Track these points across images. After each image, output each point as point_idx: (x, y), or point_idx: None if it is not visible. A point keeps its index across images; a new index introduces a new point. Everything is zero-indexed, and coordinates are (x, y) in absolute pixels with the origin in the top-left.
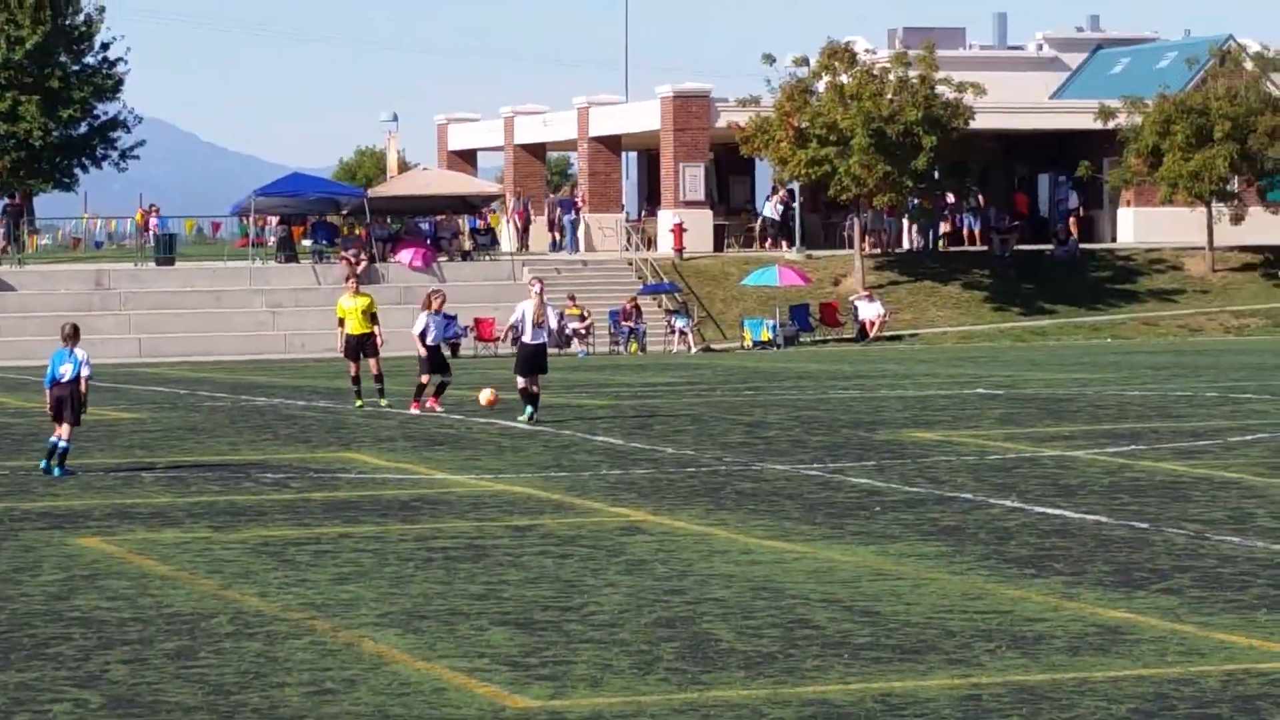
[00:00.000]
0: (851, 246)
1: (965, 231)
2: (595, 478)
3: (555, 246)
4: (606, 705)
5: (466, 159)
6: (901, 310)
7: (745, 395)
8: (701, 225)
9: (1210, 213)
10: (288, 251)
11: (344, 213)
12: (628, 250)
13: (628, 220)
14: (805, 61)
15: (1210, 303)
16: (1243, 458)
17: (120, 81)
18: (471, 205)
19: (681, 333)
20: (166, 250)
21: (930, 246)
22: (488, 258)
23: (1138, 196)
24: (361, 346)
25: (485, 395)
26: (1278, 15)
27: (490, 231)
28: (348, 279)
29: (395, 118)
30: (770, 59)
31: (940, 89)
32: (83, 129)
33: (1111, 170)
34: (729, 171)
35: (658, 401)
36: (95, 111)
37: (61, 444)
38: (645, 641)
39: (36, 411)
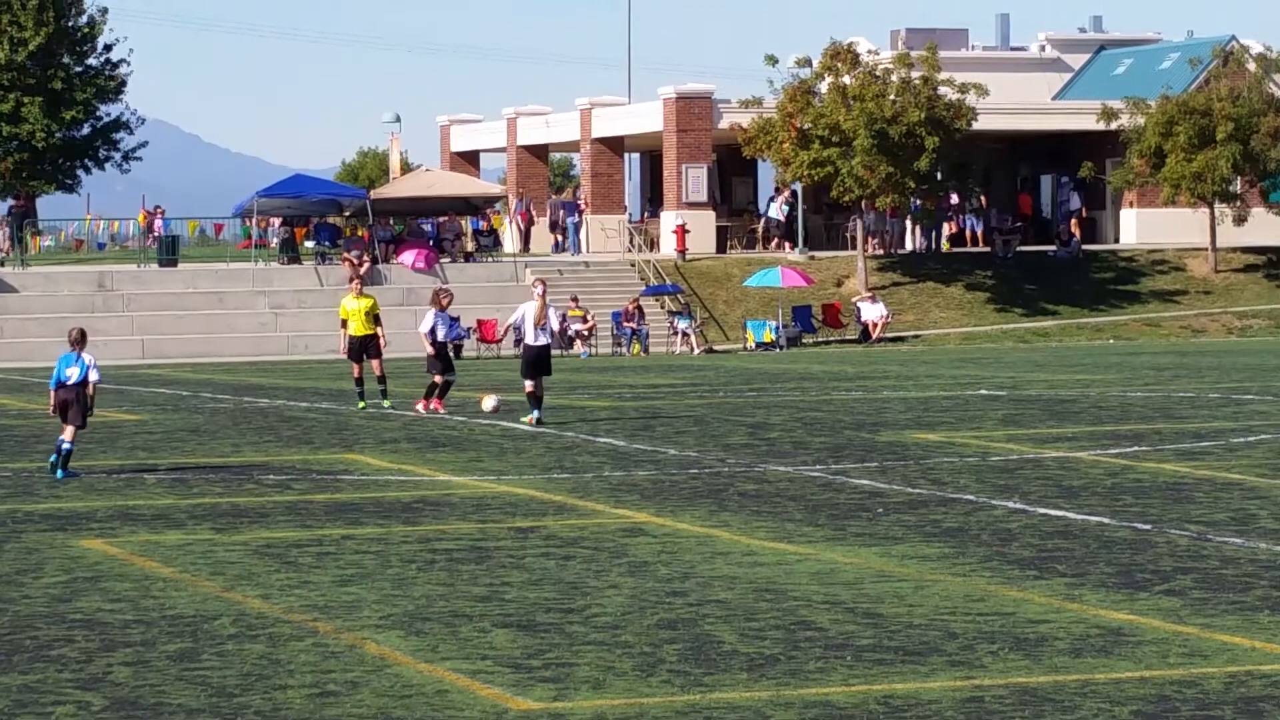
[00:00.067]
0: (854, 248)
1: (968, 233)
2: (598, 479)
3: (558, 248)
4: (609, 707)
5: (469, 160)
6: (904, 311)
7: (748, 397)
8: (704, 226)
9: (1213, 214)
10: (290, 253)
11: (347, 214)
12: (630, 251)
13: (630, 221)
14: (808, 62)
15: (1213, 304)
16: (1245, 459)
17: (123, 83)
18: (474, 206)
19: (684, 334)
20: (169, 252)
21: (933, 248)
22: (490, 259)
23: (1140, 197)
24: (365, 348)
25: (489, 402)
26: None
27: (493, 233)
28: (351, 280)
29: (398, 119)
30: (773, 60)
31: (943, 90)
32: (85, 130)
33: (1114, 171)
34: (731, 173)
35: (660, 403)
36: (98, 113)
37: (65, 446)
38: (648, 643)
39: (39, 413)
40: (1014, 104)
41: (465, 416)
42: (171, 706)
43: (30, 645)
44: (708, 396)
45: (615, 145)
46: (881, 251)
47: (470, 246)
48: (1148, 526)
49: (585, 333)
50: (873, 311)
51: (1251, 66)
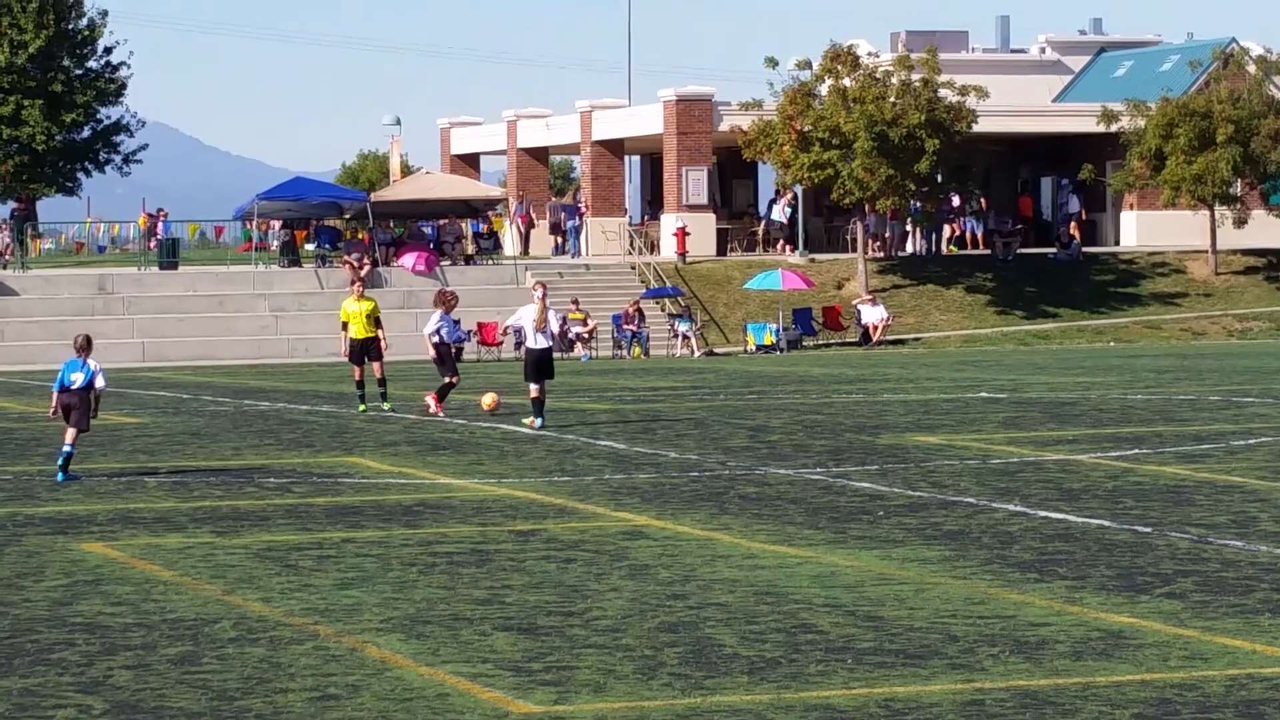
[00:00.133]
0: (854, 250)
1: (968, 235)
2: (598, 482)
3: (558, 250)
4: (610, 710)
5: (469, 163)
6: (904, 314)
7: (748, 399)
8: (704, 229)
9: (1213, 216)
10: (291, 256)
11: (347, 217)
12: (630, 254)
13: (630, 224)
14: (808, 65)
15: (1213, 306)
16: (1246, 462)
17: (123, 86)
18: (474, 209)
19: (684, 336)
20: (170, 255)
21: (934, 250)
22: (491, 262)
23: (1140, 200)
24: (366, 350)
25: (487, 399)
26: None
27: (493, 235)
28: (353, 283)
29: (398, 122)
30: (773, 62)
31: (943, 92)
32: (86, 133)
33: (1114, 173)
34: (732, 175)
35: (661, 406)
36: (98, 116)
37: (66, 449)
38: (648, 646)
39: (40, 417)
40: (1014, 106)
41: (466, 419)
42: (172, 710)
43: (31, 649)
44: (708, 399)
45: (615, 148)
46: (882, 254)
47: (471, 249)
48: (1148, 529)
49: (586, 335)
50: (873, 314)
51: (1252, 69)
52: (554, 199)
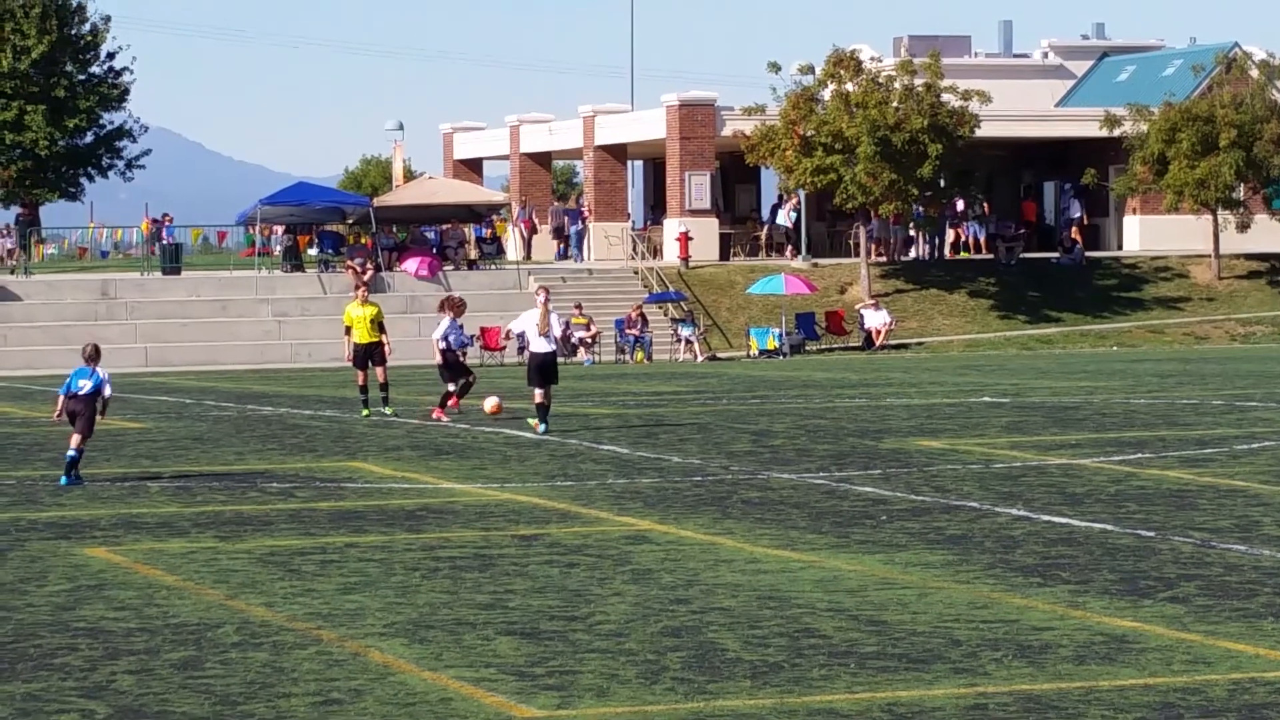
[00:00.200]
0: (857, 255)
1: (970, 239)
2: (601, 487)
3: (561, 255)
4: (613, 715)
5: (472, 168)
6: (907, 318)
7: (751, 404)
8: (707, 234)
9: (1216, 220)
10: (294, 261)
11: (350, 222)
12: (633, 259)
13: (633, 229)
14: (811, 70)
15: (1216, 310)
16: (1249, 466)
17: (126, 91)
18: (477, 214)
19: (687, 341)
20: (173, 260)
21: (937, 255)
22: (494, 267)
23: (1143, 204)
24: (369, 355)
25: (490, 403)
26: None
27: (496, 240)
28: (357, 288)
29: (401, 127)
30: (776, 67)
31: (946, 97)
32: (89, 138)
33: (1117, 178)
34: (735, 180)
35: (664, 410)
36: (101, 121)
37: (70, 452)
38: (651, 651)
39: (43, 422)
40: (1017, 111)
41: (469, 424)
42: (175, 715)
43: (34, 654)
44: (711, 404)
45: (618, 153)
46: (884, 259)
47: (473, 254)
48: (1151, 533)
49: (589, 340)
50: (876, 318)
51: (1254, 73)
52: (557, 204)
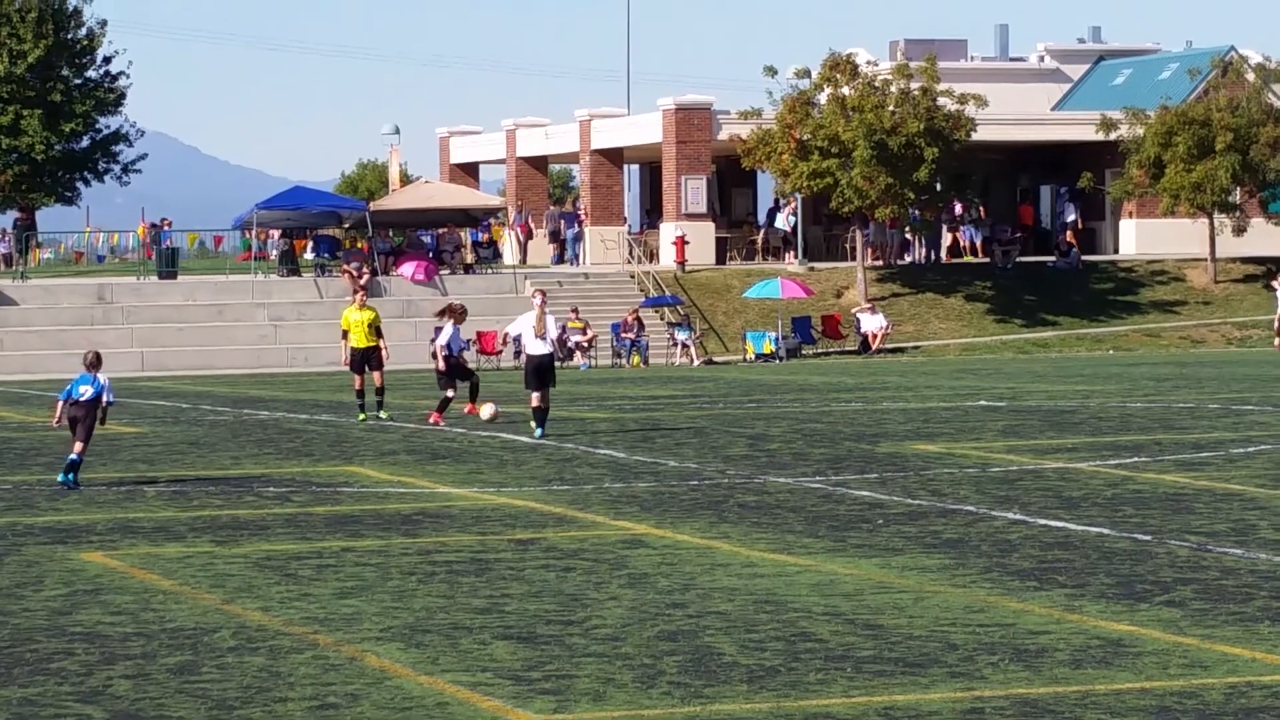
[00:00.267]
0: (853, 259)
1: (965, 243)
2: (598, 491)
3: (557, 259)
4: (609, 719)
5: (468, 172)
6: (904, 322)
7: (747, 408)
8: (703, 238)
9: (1212, 224)
10: (290, 265)
11: (346, 226)
12: (630, 263)
13: (630, 233)
14: (807, 73)
15: (1212, 314)
16: (1245, 469)
17: (122, 95)
18: (473, 218)
19: (684, 345)
20: (169, 264)
21: (934, 258)
22: (490, 271)
23: (1140, 208)
24: (367, 359)
25: (487, 410)
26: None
27: (493, 244)
28: (355, 292)
29: (397, 131)
30: (772, 71)
31: (942, 101)
32: (85, 143)
33: (1113, 182)
34: (731, 184)
35: (660, 414)
36: (97, 125)
37: (72, 457)
38: (648, 655)
39: (39, 426)
40: (1013, 115)
41: (465, 429)
42: (172, 719)
43: (30, 658)
44: (707, 408)
45: (614, 157)
46: (881, 263)
47: (470, 258)
48: (1148, 537)
49: (585, 344)
50: (872, 322)
51: (1250, 77)
52: (553, 208)
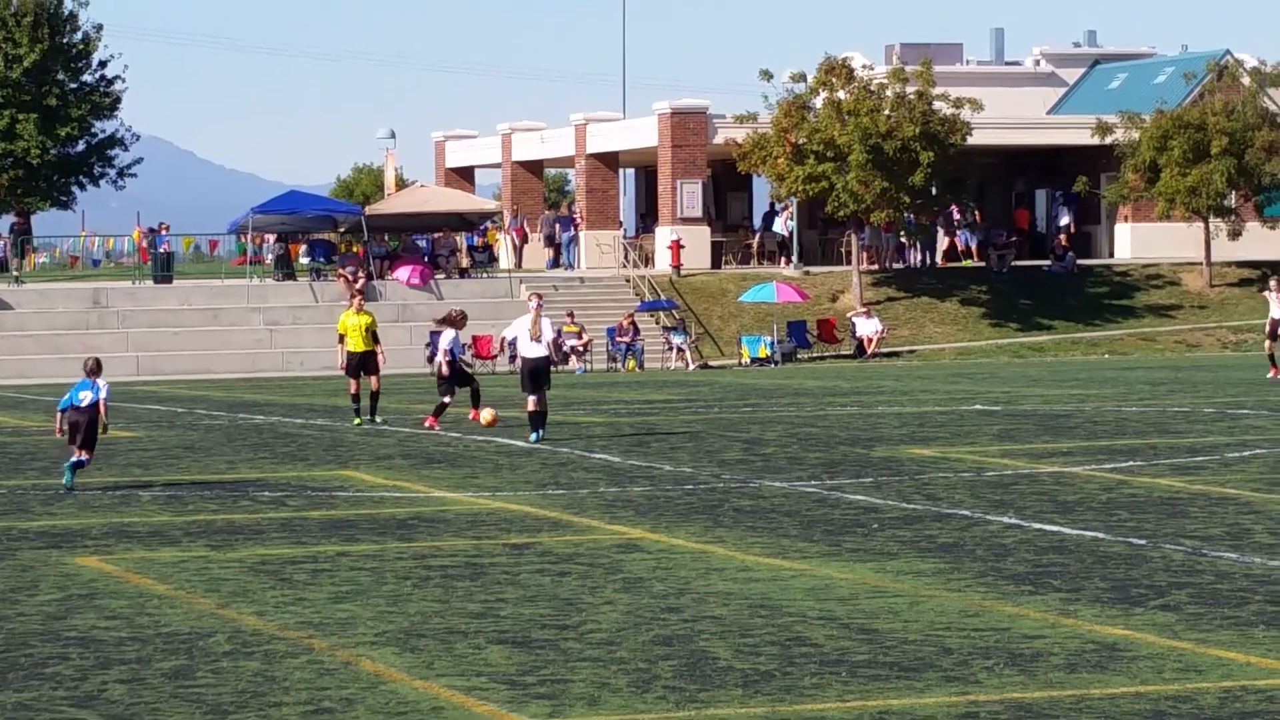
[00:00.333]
0: (848, 263)
1: (961, 247)
2: (593, 495)
3: (553, 263)
4: None
5: (464, 176)
6: (899, 326)
7: (743, 412)
8: (699, 242)
9: (1207, 228)
10: (285, 269)
11: (342, 230)
12: (625, 267)
13: (625, 237)
14: (802, 78)
15: (1208, 318)
16: (1240, 473)
17: (118, 99)
18: (469, 222)
19: (679, 349)
20: (164, 268)
21: (929, 262)
22: (485, 275)
23: (1135, 212)
24: (363, 364)
25: (486, 415)
26: (1275, 30)
27: (488, 249)
28: (352, 296)
29: (393, 135)
30: (768, 75)
31: (938, 105)
32: (80, 147)
33: (1109, 186)
34: (726, 188)
35: (655, 418)
36: (93, 129)
37: (78, 458)
38: (643, 659)
39: (34, 431)
40: (1009, 119)
41: (460, 433)
42: None
43: (25, 663)
44: (703, 412)
45: (610, 161)
46: (876, 267)
47: (465, 262)
48: (1143, 541)
49: (580, 348)
50: (867, 326)
51: (1246, 80)
52: (548, 212)
